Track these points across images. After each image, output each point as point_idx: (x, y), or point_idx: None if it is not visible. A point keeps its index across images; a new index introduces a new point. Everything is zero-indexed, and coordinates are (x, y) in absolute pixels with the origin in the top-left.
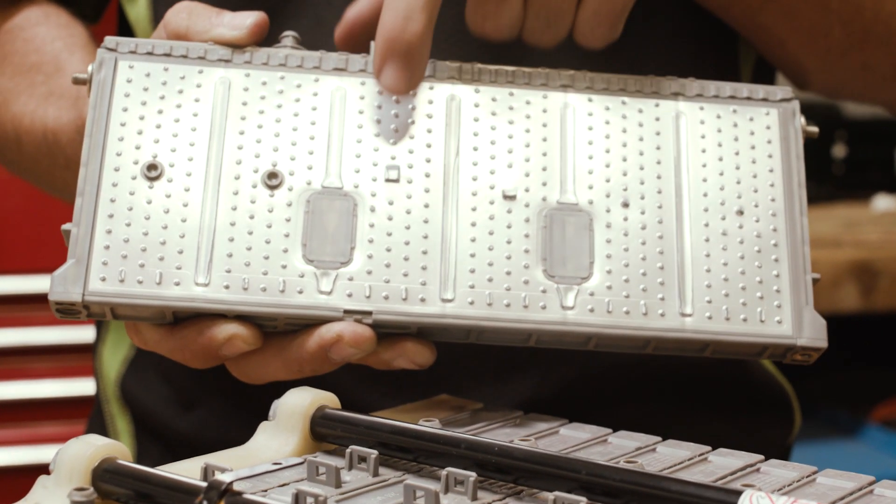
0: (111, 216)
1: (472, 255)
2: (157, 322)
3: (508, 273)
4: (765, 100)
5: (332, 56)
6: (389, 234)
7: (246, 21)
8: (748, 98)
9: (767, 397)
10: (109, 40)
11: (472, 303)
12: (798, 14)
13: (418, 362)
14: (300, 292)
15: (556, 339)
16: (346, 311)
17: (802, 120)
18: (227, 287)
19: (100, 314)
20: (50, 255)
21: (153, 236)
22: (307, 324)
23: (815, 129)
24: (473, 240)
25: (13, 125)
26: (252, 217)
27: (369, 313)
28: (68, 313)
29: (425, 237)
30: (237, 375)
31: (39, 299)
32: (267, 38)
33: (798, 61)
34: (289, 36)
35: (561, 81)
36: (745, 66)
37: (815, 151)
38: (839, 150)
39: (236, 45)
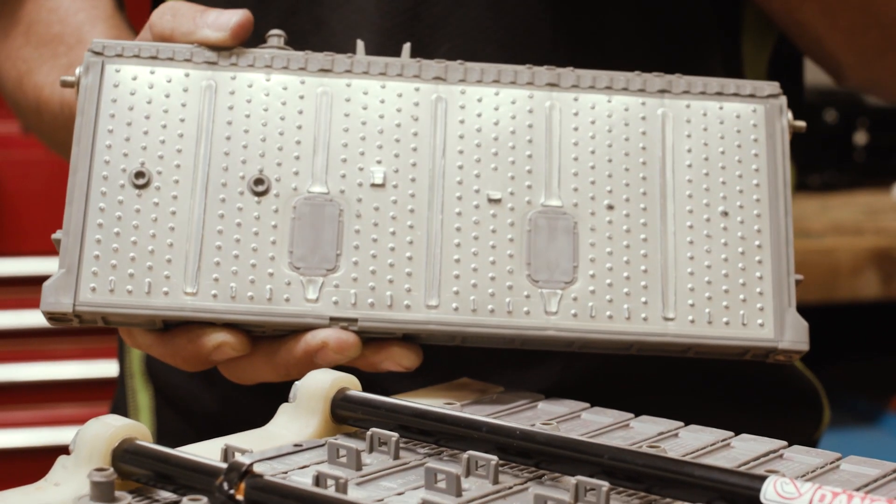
0: (100, 225)
1: (457, 261)
2: (147, 328)
3: (493, 278)
4: (752, 96)
5: (318, 56)
6: (375, 240)
7: (230, 22)
8: (735, 94)
9: (795, 392)
10: (96, 43)
11: (456, 309)
12: (836, 13)
13: (404, 365)
14: (287, 300)
15: (540, 343)
16: (332, 319)
17: (790, 115)
18: (214, 296)
19: (91, 321)
20: None
21: (142, 245)
22: (295, 329)
23: (802, 123)
24: (458, 245)
25: (34, 94)
26: (239, 224)
27: (355, 320)
28: (60, 321)
29: (410, 242)
30: (227, 376)
31: None
32: (256, 27)
33: (835, 58)
34: (275, 35)
35: (547, 79)
36: (759, 64)
37: (836, 139)
38: (861, 138)
39: (221, 47)
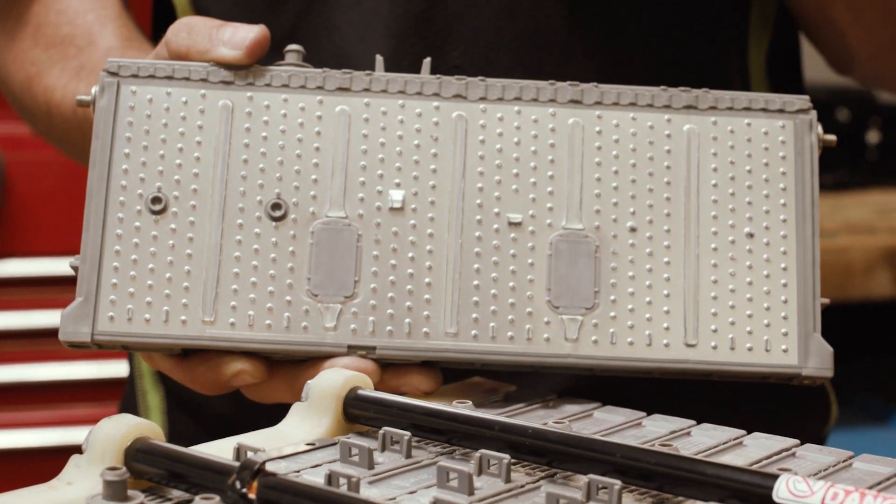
0: (118, 252)
1: (477, 287)
2: (167, 353)
3: (512, 304)
4: (781, 111)
5: (336, 74)
6: (394, 266)
7: (246, 40)
8: (763, 109)
9: (803, 388)
10: (111, 63)
11: (475, 336)
12: (863, 10)
13: (422, 390)
14: (305, 328)
15: (559, 369)
16: (351, 347)
17: (820, 129)
18: (232, 324)
19: (111, 348)
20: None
21: (159, 272)
22: (313, 357)
23: (832, 137)
24: (478, 270)
25: (45, 97)
26: (257, 251)
27: (373, 348)
28: (80, 347)
29: (430, 268)
30: (247, 396)
31: (72, 281)
32: (273, 35)
33: (851, 51)
34: (292, 51)
35: (570, 96)
36: (758, 61)
37: (848, 137)
38: (873, 136)
39: (238, 66)
